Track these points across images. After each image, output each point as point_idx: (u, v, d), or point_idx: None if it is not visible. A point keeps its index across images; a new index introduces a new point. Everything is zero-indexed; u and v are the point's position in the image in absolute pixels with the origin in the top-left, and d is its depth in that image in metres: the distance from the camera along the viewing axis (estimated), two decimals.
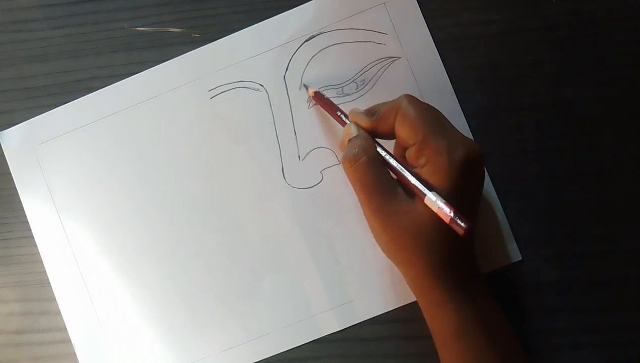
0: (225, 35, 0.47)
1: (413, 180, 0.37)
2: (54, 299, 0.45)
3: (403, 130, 0.38)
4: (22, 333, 0.46)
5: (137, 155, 0.46)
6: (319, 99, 0.44)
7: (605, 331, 0.43)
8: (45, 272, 0.46)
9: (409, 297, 0.44)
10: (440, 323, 0.39)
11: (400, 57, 0.46)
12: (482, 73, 0.46)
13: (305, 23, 0.46)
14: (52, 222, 0.46)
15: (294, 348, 0.44)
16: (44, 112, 0.47)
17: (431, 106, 0.39)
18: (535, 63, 0.46)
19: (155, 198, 0.46)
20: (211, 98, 0.46)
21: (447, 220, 0.35)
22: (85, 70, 0.47)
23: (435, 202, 0.36)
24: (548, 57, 0.46)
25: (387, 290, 0.44)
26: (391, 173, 0.39)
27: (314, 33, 0.46)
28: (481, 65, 0.46)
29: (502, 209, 0.45)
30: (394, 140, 0.41)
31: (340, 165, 0.45)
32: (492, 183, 0.45)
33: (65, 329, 0.45)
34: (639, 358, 0.43)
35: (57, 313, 0.45)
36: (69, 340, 0.45)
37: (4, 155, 0.47)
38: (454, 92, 0.45)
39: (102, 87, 0.47)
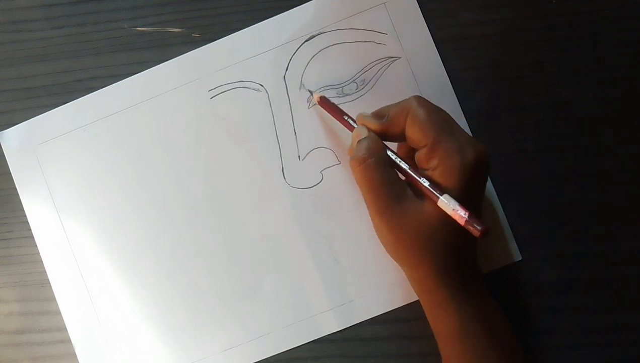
0: (225, 35, 0.47)
1: (425, 183, 0.37)
2: (54, 299, 0.45)
3: (414, 133, 0.38)
4: (22, 333, 0.46)
5: (137, 155, 0.46)
6: (325, 103, 0.44)
7: (605, 331, 0.43)
8: (45, 272, 0.46)
9: (410, 297, 0.44)
10: (443, 323, 0.39)
11: (400, 57, 0.46)
12: (482, 73, 0.46)
13: (305, 23, 0.46)
14: (52, 222, 0.46)
15: (294, 348, 0.44)
16: (44, 112, 0.47)
17: (440, 108, 0.39)
18: (535, 63, 0.46)
19: (155, 198, 0.46)
20: (211, 98, 0.46)
21: (462, 222, 0.35)
22: (85, 70, 0.47)
23: (449, 205, 0.36)
24: (548, 57, 0.46)
25: (387, 290, 0.44)
26: (400, 174, 0.39)
27: (314, 33, 0.46)
28: (481, 65, 0.46)
29: (502, 209, 0.45)
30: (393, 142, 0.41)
31: (340, 165, 0.45)
32: (492, 183, 0.45)
33: (65, 329, 0.45)
34: (639, 359, 0.43)
35: (57, 313, 0.45)
36: (69, 340, 0.45)
37: (4, 155, 0.47)
38: (454, 92, 0.45)
39: (102, 87, 0.47)
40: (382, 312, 0.44)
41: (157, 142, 0.46)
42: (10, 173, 0.46)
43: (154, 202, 0.46)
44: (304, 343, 0.44)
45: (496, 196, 0.45)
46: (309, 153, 0.46)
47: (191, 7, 0.47)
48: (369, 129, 0.40)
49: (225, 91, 0.46)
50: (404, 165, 0.38)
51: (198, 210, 0.46)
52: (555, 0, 0.46)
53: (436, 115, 0.38)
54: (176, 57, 0.47)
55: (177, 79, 0.46)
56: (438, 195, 0.36)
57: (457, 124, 0.39)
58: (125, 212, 0.46)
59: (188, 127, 0.46)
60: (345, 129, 0.42)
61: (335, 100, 0.45)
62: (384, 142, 0.40)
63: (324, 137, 0.46)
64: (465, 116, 0.45)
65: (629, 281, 0.44)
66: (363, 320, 0.44)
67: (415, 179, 0.38)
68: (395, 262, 0.40)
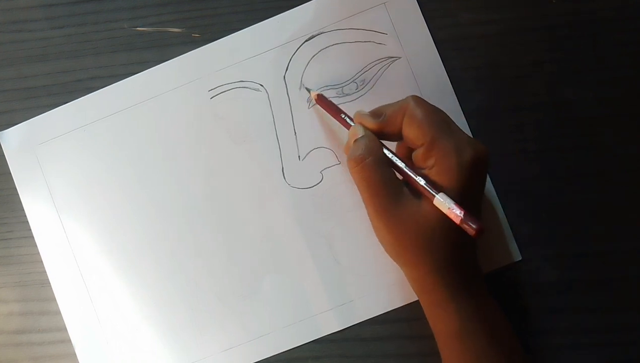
0: (225, 35, 0.47)
1: (421, 181, 0.37)
2: (54, 299, 0.45)
3: (411, 132, 0.38)
4: (22, 333, 0.46)
5: (137, 155, 0.46)
6: (322, 101, 0.44)
7: (605, 331, 0.43)
8: (45, 272, 0.46)
9: (409, 297, 0.44)
10: (442, 322, 0.39)
11: (400, 57, 0.46)
12: (482, 73, 0.46)
13: (305, 23, 0.46)
14: (52, 222, 0.46)
15: (294, 348, 0.44)
16: (44, 112, 0.47)
17: (437, 107, 0.39)
18: (535, 63, 0.46)
19: (155, 199, 0.46)
20: (211, 98, 0.46)
21: (457, 221, 0.35)
22: (85, 70, 0.47)
23: (445, 204, 0.36)
24: (548, 57, 0.46)
25: (387, 290, 0.44)
26: (397, 174, 0.39)
27: (314, 33, 0.46)
28: (481, 65, 0.46)
29: (502, 209, 0.45)
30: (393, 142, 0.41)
31: (340, 165, 0.45)
32: (492, 183, 0.45)
33: (65, 329, 0.45)
34: (639, 358, 0.43)
35: (57, 313, 0.45)
36: (69, 340, 0.45)
37: (4, 155, 0.47)
38: (454, 92, 0.45)
39: (102, 87, 0.47)
40: (382, 312, 0.44)
41: (157, 142, 0.46)
42: (10, 173, 0.46)
43: (154, 202, 0.46)
44: (304, 343, 0.44)
45: (496, 196, 0.45)
46: (309, 153, 0.46)
47: (191, 7, 0.47)
48: (365, 128, 0.40)
49: (225, 91, 0.46)
50: (401, 163, 0.38)
51: (198, 210, 0.46)
52: (555, 0, 0.46)
53: (433, 115, 0.38)
54: (176, 57, 0.47)
55: (177, 79, 0.46)
56: (434, 193, 0.36)
57: (454, 123, 0.39)
58: (125, 212, 0.46)
59: (188, 127, 0.46)
60: (346, 129, 0.42)
61: (335, 100, 0.45)
62: (382, 141, 0.40)
63: (324, 137, 0.46)
64: (465, 116, 0.45)
65: (629, 281, 0.44)
66: (363, 320, 0.44)
67: (412, 177, 0.38)
68: (394, 262, 0.40)
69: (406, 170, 0.38)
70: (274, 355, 0.44)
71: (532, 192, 0.45)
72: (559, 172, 0.45)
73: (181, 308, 0.45)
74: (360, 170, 0.38)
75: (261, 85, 0.46)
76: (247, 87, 0.46)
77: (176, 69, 0.47)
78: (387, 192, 0.38)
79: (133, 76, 0.47)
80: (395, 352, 0.44)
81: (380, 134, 0.40)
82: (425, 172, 0.38)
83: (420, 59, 0.46)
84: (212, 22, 0.47)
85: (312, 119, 0.46)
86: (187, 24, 0.47)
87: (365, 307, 0.44)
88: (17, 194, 0.46)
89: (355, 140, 0.39)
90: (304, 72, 0.46)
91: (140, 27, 0.48)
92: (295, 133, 0.46)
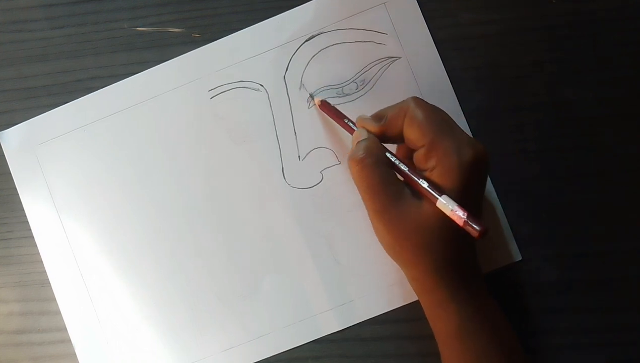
0: (225, 35, 0.47)
1: (424, 183, 0.37)
2: (54, 299, 0.45)
3: (411, 133, 0.38)
4: (22, 333, 0.46)
5: (137, 155, 0.46)
6: (326, 107, 0.44)
7: (605, 331, 0.43)
8: (45, 272, 0.46)
9: (409, 297, 0.44)
10: (442, 322, 0.39)
11: (400, 57, 0.46)
12: (482, 73, 0.46)
13: (305, 23, 0.46)
14: (52, 222, 0.46)
15: (294, 348, 0.44)
16: (44, 112, 0.47)
17: (438, 108, 0.39)
18: (535, 63, 0.46)
19: (155, 199, 0.46)
20: (211, 98, 0.46)
21: (460, 223, 0.35)
22: (85, 70, 0.47)
23: (447, 206, 0.36)
24: (548, 57, 0.46)
25: (387, 290, 0.44)
26: (398, 175, 0.39)
27: (314, 33, 0.46)
28: (481, 65, 0.46)
29: (502, 209, 0.45)
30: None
31: (340, 165, 0.45)
32: (492, 183, 0.45)
33: (65, 329, 0.45)
34: (639, 358, 0.43)
35: (57, 313, 0.45)
36: (69, 340, 0.45)
37: (4, 155, 0.47)
38: (454, 92, 0.45)
39: (102, 87, 0.47)
40: (382, 312, 0.44)
41: (157, 142, 0.46)
42: (10, 173, 0.46)
43: (154, 202, 0.46)
44: (304, 343, 0.44)
45: (496, 196, 0.45)
46: (309, 153, 0.46)
47: (191, 7, 0.47)
48: (368, 131, 0.40)
49: (225, 91, 0.46)
50: (402, 166, 0.38)
51: (198, 210, 0.46)
52: (555, 0, 0.46)
53: (434, 116, 0.38)
54: (176, 57, 0.47)
55: (177, 79, 0.46)
56: (437, 196, 0.36)
57: (455, 123, 0.39)
58: (125, 212, 0.46)
59: (188, 127, 0.46)
60: (349, 133, 0.42)
61: (335, 100, 0.45)
62: (383, 144, 0.40)
63: (324, 137, 0.46)
64: (465, 116, 0.45)
65: (629, 281, 0.44)
66: (363, 320, 0.44)
67: (414, 179, 0.38)
68: (394, 262, 0.40)
69: (408, 172, 0.38)
70: (274, 355, 0.44)
71: (532, 192, 0.45)
72: (559, 172, 0.45)
73: (181, 308, 0.45)
74: (361, 170, 0.38)
75: (261, 85, 0.46)
76: (247, 87, 0.46)
77: (176, 69, 0.47)
78: (388, 192, 0.38)
79: (133, 76, 0.47)
80: (395, 352, 0.44)
81: (382, 137, 0.40)
82: (427, 173, 0.38)
83: (420, 59, 0.46)
84: (212, 22, 0.47)
85: (312, 119, 0.46)
86: (187, 24, 0.47)
87: (365, 307, 0.44)
88: (17, 194, 0.46)
89: (358, 142, 0.39)
90: (304, 72, 0.46)
91: (140, 27, 0.48)
92: (295, 133, 0.46)
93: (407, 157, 0.40)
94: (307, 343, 0.44)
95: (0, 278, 0.46)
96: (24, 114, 0.47)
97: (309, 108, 0.46)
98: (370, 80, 0.46)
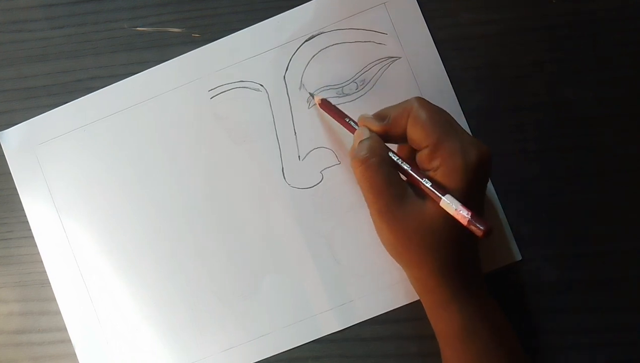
0: (225, 35, 0.47)
1: (427, 183, 0.37)
2: (54, 299, 0.45)
3: (415, 133, 0.38)
4: (22, 333, 0.46)
5: (137, 155, 0.46)
6: (326, 106, 0.44)
7: (605, 331, 0.43)
8: (45, 272, 0.46)
9: (410, 297, 0.44)
10: (444, 322, 0.39)
11: (400, 57, 0.46)
12: (482, 73, 0.46)
13: (305, 23, 0.46)
14: (52, 222, 0.46)
15: (294, 348, 0.44)
16: (44, 112, 0.47)
17: (441, 108, 0.39)
18: (535, 63, 0.46)
19: (155, 199, 0.46)
20: (211, 98, 0.46)
21: (465, 222, 0.35)
22: (85, 70, 0.47)
23: (451, 205, 0.36)
24: (548, 57, 0.46)
25: (387, 290, 0.44)
26: (401, 175, 0.39)
27: (314, 33, 0.46)
28: (481, 65, 0.46)
29: (502, 209, 0.45)
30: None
31: (340, 165, 0.45)
32: (492, 183, 0.45)
33: (65, 329, 0.45)
34: (639, 359, 0.43)
35: (57, 313, 0.45)
36: (69, 340, 0.45)
37: (4, 155, 0.47)
38: (454, 92, 0.45)
39: (102, 87, 0.47)
40: (382, 312, 0.44)
41: (157, 142, 0.46)
42: (10, 173, 0.46)
43: (154, 202, 0.46)
44: (304, 343, 0.44)
45: (496, 196, 0.45)
46: (309, 153, 0.46)
47: (191, 7, 0.47)
48: (370, 130, 0.40)
49: (225, 91, 0.46)
50: (405, 166, 0.38)
51: (198, 210, 0.46)
52: (555, 0, 0.46)
53: (438, 116, 0.38)
54: (176, 57, 0.47)
55: (177, 79, 0.46)
56: (440, 195, 0.36)
57: (458, 124, 0.39)
58: (125, 212, 0.46)
59: (188, 127, 0.46)
60: (350, 133, 0.42)
61: (335, 100, 0.45)
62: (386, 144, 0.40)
63: (324, 137, 0.46)
64: (465, 116, 0.45)
65: (629, 281, 0.44)
66: (363, 320, 0.44)
67: (418, 179, 0.38)
68: (395, 262, 0.40)
69: (412, 172, 0.38)
70: (274, 355, 0.44)
71: (532, 192, 0.45)
72: (559, 172, 0.45)
73: (181, 308, 0.45)
74: (364, 170, 0.38)
75: (261, 85, 0.46)
76: (247, 87, 0.46)
77: (176, 69, 0.47)
78: (391, 192, 0.38)
79: (133, 76, 0.47)
80: (395, 352, 0.44)
81: (385, 136, 0.40)
82: (430, 173, 0.38)
83: (420, 59, 0.46)
84: (212, 22, 0.47)
85: (312, 119, 0.46)
86: (187, 24, 0.47)
87: (365, 307, 0.44)
88: (17, 194, 0.46)
89: (360, 141, 0.39)
90: (304, 72, 0.46)
91: (140, 27, 0.48)
92: (295, 133, 0.46)
93: (408, 157, 0.40)
94: (307, 343, 0.44)
95: (0, 278, 0.46)
96: (24, 114, 0.47)
97: (309, 108, 0.46)
98: (370, 80, 0.46)
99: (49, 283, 0.45)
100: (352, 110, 0.44)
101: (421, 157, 0.39)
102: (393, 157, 0.39)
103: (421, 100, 0.39)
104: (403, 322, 0.44)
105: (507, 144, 0.45)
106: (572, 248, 0.44)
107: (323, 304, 0.44)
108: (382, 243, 0.40)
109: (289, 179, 0.45)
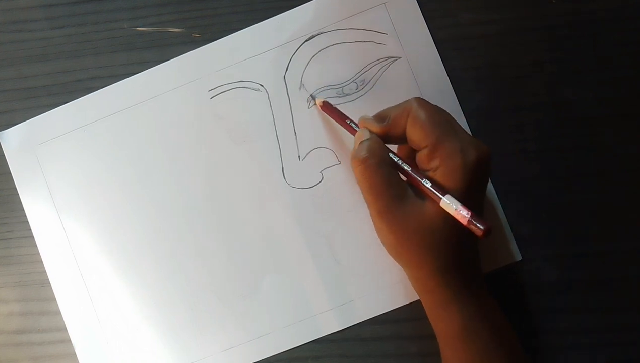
0: (225, 35, 0.47)
1: (427, 183, 0.37)
2: (54, 299, 0.45)
3: (414, 134, 0.38)
4: (22, 333, 0.46)
5: (137, 155, 0.46)
6: (328, 108, 0.44)
7: (605, 331, 0.43)
8: (45, 272, 0.46)
9: (410, 297, 0.44)
10: (444, 322, 0.39)
11: (400, 57, 0.46)
12: (482, 73, 0.46)
13: (305, 23, 0.46)
14: (52, 222, 0.46)
15: (294, 348, 0.44)
16: (44, 112, 0.47)
17: (440, 108, 0.39)
18: (535, 63, 0.46)
19: (155, 199, 0.46)
20: (211, 98, 0.46)
21: (464, 222, 0.35)
22: (85, 70, 0.47)
23: (451, 205, 0.36)
24: (548, 57, 0.46)
25: (387, 290, 0.44)
26: (401, 175, 0.39)
27: (314, 33, 0.46)
28: (481, 65, 0.46)
29: (502, 209, 0.45)
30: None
31: (340, 165, 0.45)
32: (492, 183, 0.45)
33: (65, 329, 0.45)
34: (639, 358, 0.43)
35: (57, 313, 0.45)
36: (69, 340, 0.45)
37: (4, 155, 0.47)
38: (454, 92, 0.45)
39: (102, 87, 0.47)
40: (382, 312, 0.44)
41: (157, 142, 0.46)
42: (10, 173, 0.46)
43: (154, 202, 0.46)
44: (304, 343, 0.44)
45: (496, 196, 0.45)
46: (309, 153, 0.46)
47: (191, 7, 0.47)
48: (370, 131, 0.40)
49: (225, 91, 0.46)
50: (405, 166, 0.38)
51: (198, 210, 0.46)
52: (555, 0, 0.46)
53: (437, 116, 0.38)
54: (176, 57, 0.47)
55: (177, 79, 0.46)
56: (440, 196, 0.36)
57: (458, 124, 0.39)
58: (125, 212, 0.46)
59: (188, 127, 0.46)
60: (351, 134, 0.42)
61: (335, 100, 0.45)
62: (386, 145, 0.40)
63: (324, 137, 0.46)
64: (465, 116, 0.45)
65: (629, 281, 0.44)
66: (363, 320, 0.44)
67: (417, 180, 0.38)
68: (395, 262, 0.40)
69: (412, 173, 0.38)
70: (274, 355, 0.44)
71: (532, 192, 0.45)
72: (559, 172, 0.45)
73: (181, 308, 0.45)
74: (364, 170, 0.38)
75: (261, 85, 0.46)
76: (247, 87, 0.46)
77: (176, 69, 0.47)
78: (390, 192, 0.38)
79: (133, 76, 0.47)
80: (395, 352, 0.44)
81: (385, 137, 0.40)
82: (430, 174, 0.38)
83: (420, 59, 0.46)
84: (212, 22, 0.47)
85: (312, 119, 0.46)
86: (187, 24, 0.47)
87: (365, 307, 0.44)
88: (17, 194, 0.46)
89: (361, 142, 0.39)
90: (304, 72, 0.46)
91: (140, 27, 0.48)
92: (295, 133, 0.46)
93: (408, 157, 0.40)
94: (307, 343, 0.44)
95: (0, 278, 0.46)
96: (24, 114, 0.47)
97: (309, 108, 0.46)
98: (370, 80, 0.46)
99: (49, 283, 0.45)
100: (352, 110, 0.44)
101: (420, 157, 0.39)
102: (393, 158, 0.39)
103: (420, 101, 0.39)
104: (403, 322, 0.44)
105: (507, 144, 0.45)
106: (572, 248, 0.44)
107: (323, 304, 0.44)
108: (382, 244, 0.40)
109: (289, 179, 0.45)
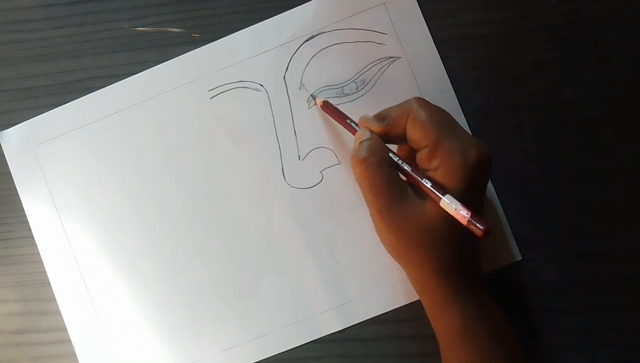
0: (225, 35, 0.47)
1: (427, 183, 0.37)
2: (54, 299, 0.45)
3: (415, 133, 0.38)
4: (22, 333, 0.46)
5: (137, 155, 0.46)
6: (328, 108, 0.44)
7: (605, 331, 0.43)
8: (45, 272, 0.46)
9: (409, 297, 0.44)
10: (444, 322, 0.39)
11: (400, 57, 0.46)
12: (482, 73, 0.46)
13: (305, 23, 0.46)
14: (52, 222, 0.46)
15: (294, 348, 0.44)
16: (44, 112, 0.47)
17: (441, 108, 0.39)
18: (535, 63, 0.46)
19: (155, 199, 0.46)
20: (211, 98, 0.46)
21: (464, 222, 0.35)
22: (85, 70, 0.47)
23: (451, 205, 0.36)
24: (548, 57, 0.46)
25: (387, 290, 0.44)
26: (401, 175, 0.39)
27: (314, 33, 0.46)
28: (481, 65, 0.46)
29: (502, 209, 0.45)
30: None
31: (340, 165, 0.45)
32: (492, 183, 0.45)
33: (65, 329, 0.45)
34: (639, 359, 0.43)
35: (57, 313, 0.45)
36: (69, 340, 0.45)
37: (4, 155, 0.47)
38: (454, 92, 0.45)
39: (102, 87, 0.47)
40: (382, 312, 0.44)
41: (157, 142, 0.46)
42: (10, 173, 0.46)
43: (154, 202, 0.46)
44: (304, 343, 0.44)
45: (496, 196, 0.45)
46: (309, 153, 0.46)
47: (191, 7, 0.47)
48: (371, 131, 0.40)
49: (225, 91, 0.46)
50: (405, 166, 0.38)
51: (198, 210, 0.46)
52: (555, 0, 0.46)
53: (437, 116, 0.38)
54: (176, 57, 0.47)
55: (177, 79, 0.46)
56: (440, 195, 0.36)
57: (458, 124, 0.39)
58: (125, 212, 0.46)
59: (188, 127, 0.46)
60: (351, 134, 0.42)
61: (335, 100, 0.45)
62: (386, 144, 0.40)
63: (324, 137, 0.46)
64: (465, 116, 0.45)
65: (629, 281, 0.44)
66: (363, 320, 0.44)
67: (417, 179, 0.38)
68: (395, 262, 0.40)
69: (412, 172, 0.38)
70: (274, 355, 0.44)
71: (532, 192, 0.45)
72: (559, 172, 0.45)
73: (181, 308, 0.45)
74: (364, 170, 0.38)
75: (261, 85, 0.46)
76: (247, 87, 0.46)
77: (176, 69, 0.47)
78: (390, 192, 0.38)
79: (133, 76, 0.47)
80: (395, 352, 0.44)
81: (385, 137, 0.40)
82: (430, 173, 0.38)
83: (420, 59, 0.46)
84: (212, 22, 0.47)
85: (312, 119, 0.46)
86: (187, 24, 0.47)
87: (365, 307, 0.44)
88: (17, 194, 0.46)
89: (361, 142, 0.39)
90: (304, 72, 0.46)
91: (140, 27, 0.48)
92: (295, 133, 0.46)
93: (409, 157, 0.40)
94: (307, 343, 0.44)
95: (0, 278, 0.46)
96: (24, 114, 0.47)
97: (309, 108, 0.46)
98: (370, 80, 0.46)
99: (49, 283, 0.45)
100: (352, 110, 0.44)
101: (421, 156, 0.39)
102: (393, 157, 0.39)
103: (420, 100, 0.39)
104: (403, 322, 0.44)
105: (507, 144, 0.45)
106: (572, 248, 0.44)
107: (323, 304, 0.44)
108: (382, 243, 0.40)
109: (289, 179, 0.45)
